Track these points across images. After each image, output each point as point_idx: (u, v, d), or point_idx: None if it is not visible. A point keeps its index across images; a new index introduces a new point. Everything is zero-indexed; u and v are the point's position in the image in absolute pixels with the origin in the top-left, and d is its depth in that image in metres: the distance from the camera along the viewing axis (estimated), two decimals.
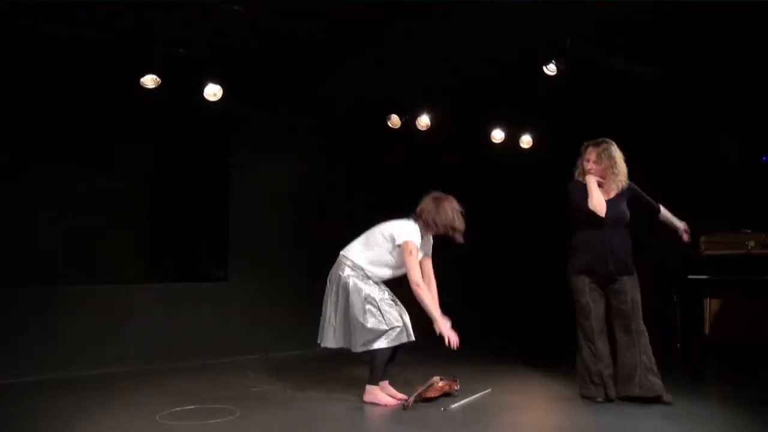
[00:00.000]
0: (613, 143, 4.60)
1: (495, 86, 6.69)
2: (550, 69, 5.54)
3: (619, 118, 7.62)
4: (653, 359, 4.39)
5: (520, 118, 7.51)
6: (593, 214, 4.42)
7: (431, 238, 4.70)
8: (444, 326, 4.40)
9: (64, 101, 6.15)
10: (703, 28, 5.33)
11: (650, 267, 7.18)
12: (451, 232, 4.54)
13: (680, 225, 4.81)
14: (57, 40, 5.36)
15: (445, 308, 7.76)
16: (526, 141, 7.65)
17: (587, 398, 4.48)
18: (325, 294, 4.60)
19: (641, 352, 4.39)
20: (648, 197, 4.75)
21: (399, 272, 4.58)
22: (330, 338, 4.49)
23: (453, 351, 4.33)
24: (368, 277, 4.52)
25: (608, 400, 4.42)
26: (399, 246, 4.46)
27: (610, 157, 4.53)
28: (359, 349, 4.36)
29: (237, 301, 6.60)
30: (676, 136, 7.37)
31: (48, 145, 6.16)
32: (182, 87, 6.04)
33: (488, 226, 8.64)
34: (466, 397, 4.59)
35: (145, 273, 6.74)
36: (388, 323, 4.35)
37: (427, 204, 4.55)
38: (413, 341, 4.45)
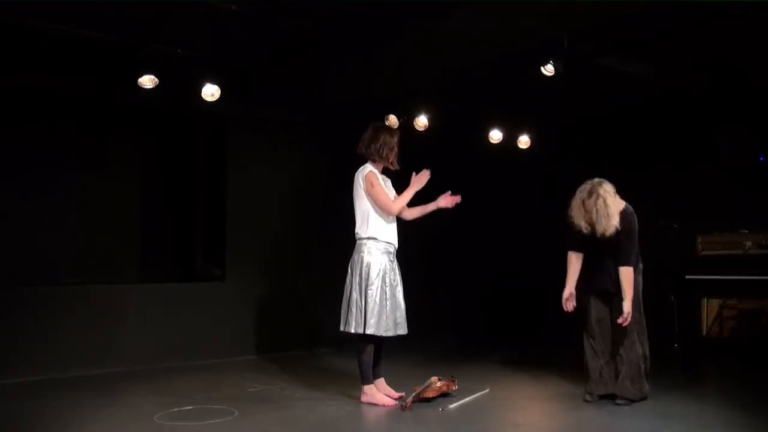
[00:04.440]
0: (603, 186, 4.42)
1: (493, 86, 6.70)
2: (548, 69, 5.55)
3: (616, 118, 7.65)
4: (643, 365, 4.45)
5: (518, 118, 7.51)
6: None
7: (389, 183, 4.72)
8: (441, 200, 4.69)
9: (62, 101, 6.14)
10: (701, 27, 5.34)
11: (649, 267, 7.23)
12: (384, 160, 4.59)
13: (626, 307, 4.33)
14: (54, 39, 5.36)
15: (443, 307, 7.82)
16: (524, 141, 7.65)
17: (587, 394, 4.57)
18: (353, 285, 4.49)
19: (632, 354, 4.45)
20: (627, 248, 4.40)
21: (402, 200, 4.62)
22: (383, 327, 4.40)
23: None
24: (384, 252, 4.49)
25: (601, 396, 4.52)
26: (363, 184, 4.50)
27: (600, 206, 4.36)
28: (342, 327, 4.49)
29: (235, 301, 6.60)
30: (674, 136, 7.38)
31: (45, 145, 6.17)
32: (180, 87, 6.04)
33: (486, 227, 8.67)
34: (464, 398, 4.60)
35: (143, 273, 6.74)
36: (358, 308, 4.38)
37: (366, 132, 4.65)
38: (382, 336, 4.43)
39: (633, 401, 4.40)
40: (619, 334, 4.48)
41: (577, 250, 4.64)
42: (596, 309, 4.59)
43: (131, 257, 6.75)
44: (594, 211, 4.33)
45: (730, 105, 6.88)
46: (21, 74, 5.66)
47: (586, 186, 4.46)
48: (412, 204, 4.68)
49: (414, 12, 4.92)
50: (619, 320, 4.34)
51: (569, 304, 4.59)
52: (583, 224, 4.43)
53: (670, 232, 6.92)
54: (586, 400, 4.51)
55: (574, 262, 4.64)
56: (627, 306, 4.34)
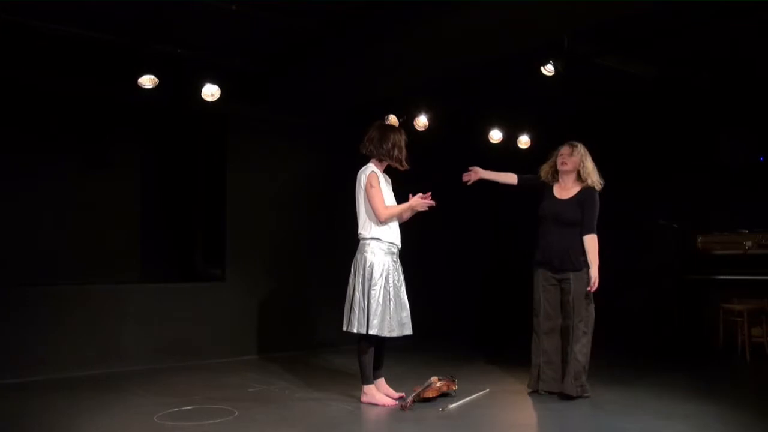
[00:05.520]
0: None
1: (493, 86, 6.70)
2: (548, 69, 5.55)
3: (616, 118, 7.65)
4: (584, 363, 4.55)
5: (518, 118, 7.51)
6: (542, 212, 4.76)
7: (390, 183, 4.71)
8: (413, 201, 4.52)
9: (62, 101, 6.15)
10: (701, 27, 5.35)
11: (649, 267, 7.24)
12: (395, 161, 4.57)
13: (593, 273, 4.51)
14: (55, 39, 5.36)
15: (443, 307, 7.81)
16: (524, 141, 7.65)
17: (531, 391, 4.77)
18: (356, 285, 4.47)
19: (576, 352, 4.54)
20: (590, 217, 4.59)
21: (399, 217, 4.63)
22: (386, 327, 4.38)
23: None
24: (388, 252, 4.49)
25: (534, 392, 4.74)
26: (364, 185, 4.49)
27: (582, 156, 4.74)
28: (345, 327, 4.47)
29: (235, 301, 6.60)
30: (674, 136, 7.38)
31: (45, 145, 6.18)
32: (180, 87, 6.04)
33: (487, 227, 8.68)
34: (464, 398, 4.60)
35: (143, 273, 6.75)
36: (360, 308, 4.37)
37: (372, 131, 4.61)
38: (383, 337, 4.41)
39: (574, 398, 4.53)
40: (570, 329, 4.59)
41: (520, 177, 4.97)
42: (546, 299, 4.69)
43: (131, 257, 6.75)
44: (580, 156, 4.68)
45: (730, 105, 6.89)
46: (21, 74, 5.66)
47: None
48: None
49: (414, 12, 4.91)
50: (588, 288, 4.51)
51: (471, 175, 4.94)
52: (546, 168, 4.83)
53: (670, 232, 6.92)
54: (528, 392, 4.75)
55: (510, 176, 5.00)
56: (594, 272, 4.52)
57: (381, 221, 4.49)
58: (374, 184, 4.48)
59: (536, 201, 4.95)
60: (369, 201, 4.48)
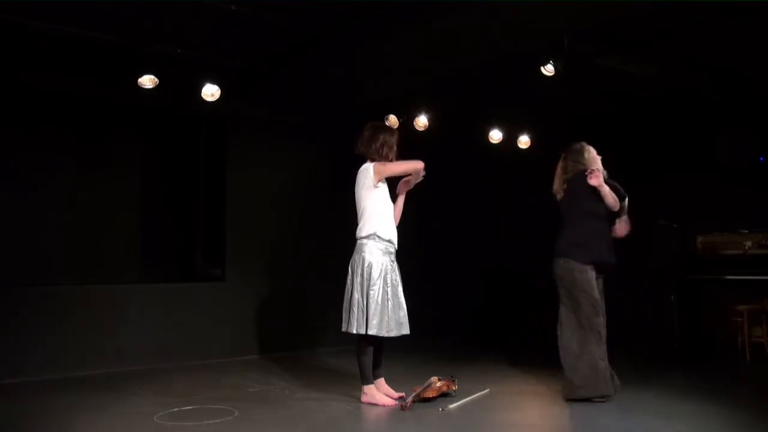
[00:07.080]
0: None
1: (493, 86, 6.70)
2: (548, 69, 5.55)
3: (616, 118, 7.65)
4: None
5: (518, 118, 7.51)
6: (590, 209, 4.63)
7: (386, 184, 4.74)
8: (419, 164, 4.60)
9: (62, 101, 6.16)
10: (701, 27, 5.34)
11: (649, 267, 7.23)
12: (385, 160, 4.58)
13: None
14: (54, 39, 5.36)
15: (442, 307, 7.82)
16: (524, 141, 7.65)
17: (604, 397, 4.45)
18: (355, 285, 4.48)
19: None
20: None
21: (395, 207, 4.67)
22: (384, 327, 4.40)
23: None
24: (385, 252, 4.50)
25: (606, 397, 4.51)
26: (373, 176, 4.50)
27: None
28: (344, 328, 4.48)
29: (234, 301, 6.61)
30: (674, 136, 7.38)
31: (45, 145, 6.19)
32: (180, 87, 6.05)
33: (487, 227, 8.67)
34: (464, 398, 4.59)
35: (143, 273, 6.76)
36: (359, 309, 4.38)
37: (364, 132, 4.65)
38: (381, 337, 4.41)
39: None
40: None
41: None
42: (599, 297, 4.57)
43: (131, 257, 6.76)
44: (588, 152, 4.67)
45: (730, 105, 6.88)
46: (21, 74, 5.66)
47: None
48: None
49: (414, 12, 4.91)
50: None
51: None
52: (557, 183, 4.74)
53: (670, 232, 6.91)
54: (609, 398, 4.46)
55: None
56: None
57: (420, 168, 4.54)
58: (384, 163, 4.51)
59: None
60: (397, 172, 4.55)
